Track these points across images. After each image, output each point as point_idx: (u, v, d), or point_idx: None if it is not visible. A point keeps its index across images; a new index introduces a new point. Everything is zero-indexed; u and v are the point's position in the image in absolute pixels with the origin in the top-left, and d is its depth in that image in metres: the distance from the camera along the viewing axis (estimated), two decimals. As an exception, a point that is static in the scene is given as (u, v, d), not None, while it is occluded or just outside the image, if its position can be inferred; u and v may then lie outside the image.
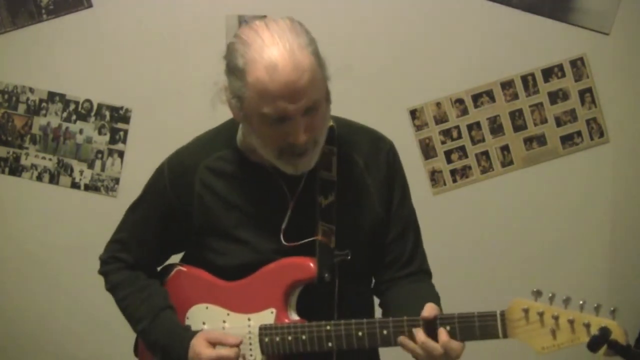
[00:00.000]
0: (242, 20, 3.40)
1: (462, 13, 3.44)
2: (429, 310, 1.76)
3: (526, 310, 1.64)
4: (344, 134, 1.97)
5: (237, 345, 1.87)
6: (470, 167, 3.49)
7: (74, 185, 3.47)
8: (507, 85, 3.47)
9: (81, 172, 3.47)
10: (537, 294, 1.64)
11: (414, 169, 3.18)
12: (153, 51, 3.42)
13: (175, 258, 2.15)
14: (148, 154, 3.45)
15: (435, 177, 3.48)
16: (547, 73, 3.48)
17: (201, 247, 1.98)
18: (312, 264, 1.87)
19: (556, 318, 1.62)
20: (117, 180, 3.46)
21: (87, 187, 3.47)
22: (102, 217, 3.45)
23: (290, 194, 1.90)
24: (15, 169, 3.46)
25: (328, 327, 1.83)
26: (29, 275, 3.47)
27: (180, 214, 1.96)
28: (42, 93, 3.44)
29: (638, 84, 3.49)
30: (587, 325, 1.59)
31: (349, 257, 1.88)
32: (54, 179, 3.46)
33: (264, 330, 1.89)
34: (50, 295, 3.47)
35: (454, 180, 3.49)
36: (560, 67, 3.47)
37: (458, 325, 1.72)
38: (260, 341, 1.89)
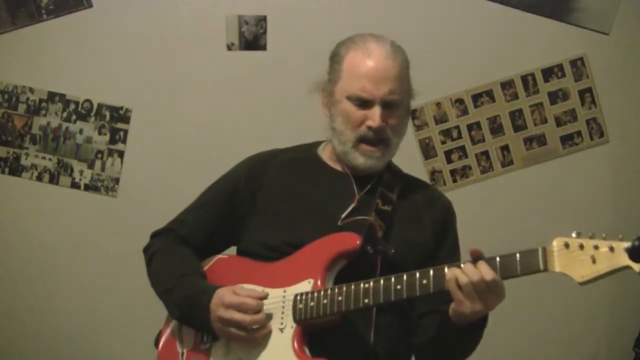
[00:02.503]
0: (242, 20, 3.40)
1: (462, 13, 3.44)
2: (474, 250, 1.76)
3: (567, 244, 1.66)
4: (409, 178, 2.14)
5: (263, 298, 1.89)
6: (470, 167, 3.49)
7: (74, 185, 3.47)
8: (507, 85, 3.47)
9: (81, 172, 3.46)
10: (579, 234, 1.67)
11: (414, 169, 3.17)
12: (153, 51, 3.42)
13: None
14: (148, 154, 3.47)
15: (435, 177, 3.48)
16: (547, 73, 3.48)
17: (254, 229, 2.03)
18: (357, 238, 1.89)
19: (596, 247, 1.63)
20: (117, 180, 3.46)
21: (87, 187, 3.46)
22: (102, 217, 3.47)
23: (357, 191, 2.02)
24: (15, 169, 3.46)
25: (366, 285, 1.81)
26: (29, 275, 3.46)
27: (246, 199, 2.06)
28: (42, 93, 3.44)
29: (638, 84, 3.49)
30: (628, 250, 1.60)
31: (392, 252, 1.91)
32: (54, 179, 3.46)
33: (299, 296, 1.88)
34: (50, 295, 3.46)
35: (454, 180, 3.49)
36: (560, 67, 3.48)
37: (499, 262, 1.73)
38: (294, 307, 1.87)
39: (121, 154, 3.45)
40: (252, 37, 3.41)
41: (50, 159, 3.46)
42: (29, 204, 3.47)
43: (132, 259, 3.44)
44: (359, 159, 1.99)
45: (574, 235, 1.66)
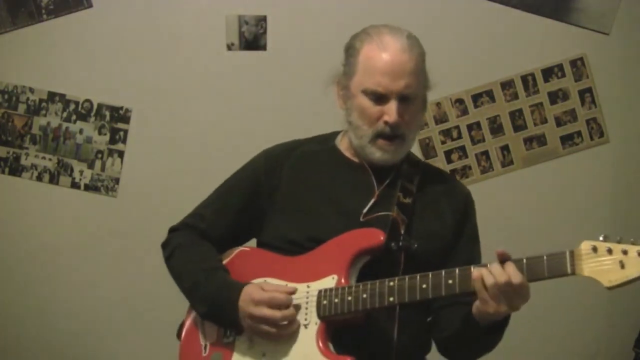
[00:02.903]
0: (242, 20, 3.40)
1: (462, 13, 3.44)
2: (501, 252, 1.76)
3: (595, 248, 1.65)
4: (428, 167, 2.15)
5: (291, 293, 1.89)
6: (470, 167, 3.49)
7: (74, 185, 3.47)
8: (507, 85, 3.47)
9: (81, 172, 3.46)
10: (606, 237, 1.66)
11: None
12: (153, 51, 3.42)
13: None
14: (148, 154, 3.47)
15: (435, 177, 3.48)
16: (547, 73, 3.48)
17: (275, 223, 2.03)
18: (381, 234, 1.89)
19: (625, 252, 1.63)
20: (117, 180, 3.46)
21: (87, 187, 3.46)
22: (102, 217, 3.47)
23: (377, 186, 2.01)
24: (15, 169, 3.46)
25: (391, 283, 1.82)
26: (29, 275, 3.46)
27: (266, 192, 2.06)
28: (42, 93, 3.44)
29: (638, 84, 3.49)
30: None
31: (415, 246, 1.91)
32: (54, 179, 3.46)
33: (323, 292, 1.88)
34: (50, 295, 3.46)
35: (454, 180, 3.49)
36: (560, 67, 3.48)
37: (526, 264, 1.72)
38: (318, 303, 1.87)
39: (121, 154, 3.45)
40: (252, 37, 3.41)
41: (50, 159, 3.46)
42: (29, 204, 3.47)
43: (132, 259, 3.46)
44: (376, 154, 1.98)
45: (601, 238, 1.66)
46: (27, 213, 3.47)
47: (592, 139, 3.50)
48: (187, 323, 2.13)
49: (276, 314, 1.86)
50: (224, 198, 2.14)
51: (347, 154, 2.07)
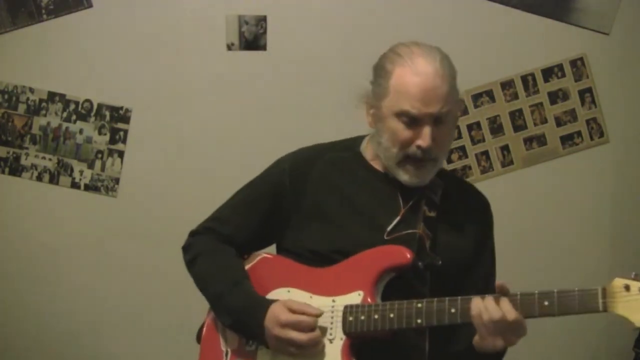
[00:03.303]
0: (242, 20, 3.40)
1: (462, 13, 3.44)
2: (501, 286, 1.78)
3: (627, 287, 1.67)
4: (451, 177, 2.16)
5: (317, 316, 1.88)
6: (470, 167, 3.49)
7: (74, 185, 3.47)
8: (507, 85, 3.47)
9: (81, 172, 3.46)
10: (637, 275, 1.67)
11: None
12: (153, 51, 3.42)
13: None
14: (148, 154, 3.47)
15: (435, 177, 3.48)
16: (547, 73, 3.48)
17: (300, 231, 2.01)
18: (408, 252, 1.88)
19: None
20: (117, 180, 3.46)
21: (87, 187, 3.46)
22: (102, 217, 3.47)
23: (402, 203, 1.99)
24: (15, 169, 3.46)
25: (419, 305, 1.81)
26: (29, 275, 3.46)
27: (291, 198, 2.03)
28: (42, 93, 3.44)
29: (638, 84, 3.49)
30: None
31: (440, 263, 1.92)
32: (54, 179, 3.46)
33: (349, 308, 1.88)
34: (50, 295, 3.46)
35: (454, 180, 3.49)
36: (560, 67, 3.47)
37: (557, 298, 1.73)
38: (344, 320, 1.87)
39: (121, 154, 3.45)
40: (252, 37, 3.41)
41: (50, 159, 3.46)
42: (29, 204, 3.47)
43: (132, 259, 3.46)
44: (404, 176, 1.95)
45: (632, 276, 1.67)
46: (27, 213, 3.47)
47: (592, 139, 3.50)
48: (207, 327, 2.10)
49: (302, 337, 1.86)
50: (248, 203, 2.10)
51: (373, 163, 2.04)
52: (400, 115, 1.90)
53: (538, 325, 3.66)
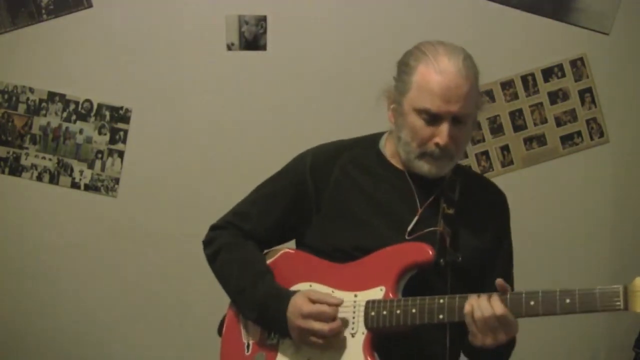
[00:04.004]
0: (242, 20, 3.40)
1: (462, 13, 3.44)
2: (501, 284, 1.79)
3: None
4: (467, 172, 2.19)
5: (338, 305, 1.90)
6: (470, 167, 3.49)
7: (74, 185, 3.47)
8: (507, 85, 3.47)
9: (81, 172, 3.46)
10: None
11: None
12: (153, 51, 3.42)
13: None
14: (148, 154, 3.47)
15: (435, 177, 3.48)
16: (547, 73, 3.48)
17: (322, 228, 2.03)
18: (430, 249, 1.90)
19: None
20: (117, 180, 3.46)
21: (87, 187, 3.46)
22: (102, 217, 3.47)
23: (419, 201, 2.01)
24: (15, 169, 3.46)
25: (441, 300, 1.83)
26: (29, 275, 3.46)
27: (312, 195, 2.04)
28: (42, 93, 3.44)
29: (638, 84, 3.49)
30: None
31: (460, 260, 1.94)
32: (54, 179, 3.46)
33: (371, 303, 1.89)
34: (50, 295, 3.46)
35: (454, 180, 3.49)
36: (560, 67, 3.48)
37: (578, 296, 1.76)
38: (366, 314, 1.89)
39: (121, 154, 3.45)
40: (252, 37, 3.41)
41: (50, 159, 3.46)
42: (29, 204, 3.47)
43: (132, 259, 3.47)
44: (424, 167, 1.97)
45: None
46: (27, 213, 3.48)
47: (592, 139, 3.50)
48: (229, 319, 2.12)
49: (324, 327, 1.88)
50: (270, 199, 2.11)
51: (393, 161, 2.06)
52: (421, 112, 1.92)
53: (538, 325, 3.66)
